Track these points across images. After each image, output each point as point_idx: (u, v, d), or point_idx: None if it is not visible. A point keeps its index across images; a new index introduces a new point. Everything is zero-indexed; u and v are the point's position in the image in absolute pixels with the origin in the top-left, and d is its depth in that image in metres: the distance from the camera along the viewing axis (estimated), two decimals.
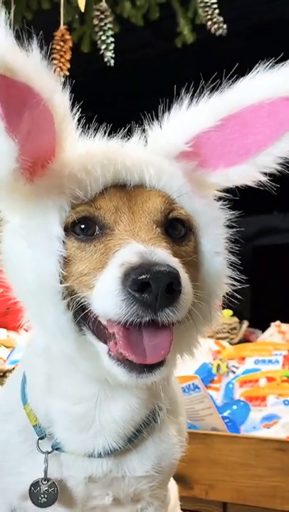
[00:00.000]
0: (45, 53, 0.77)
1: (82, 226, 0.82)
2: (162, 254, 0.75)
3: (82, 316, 0.81)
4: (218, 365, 2.05)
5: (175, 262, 0.76)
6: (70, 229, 0.82)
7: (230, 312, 2.88)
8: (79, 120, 0.91)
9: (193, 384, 1.55)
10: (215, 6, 2.87)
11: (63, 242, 0.81)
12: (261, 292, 9.39)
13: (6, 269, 0.87)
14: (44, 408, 0.95)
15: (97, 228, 0.83)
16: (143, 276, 0.70)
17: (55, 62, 3.02)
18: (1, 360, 1.89)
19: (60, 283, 0.80)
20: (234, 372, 2.05)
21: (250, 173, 0.92)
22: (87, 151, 0.88)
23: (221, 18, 2.87)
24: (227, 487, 1.48)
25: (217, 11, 2.87)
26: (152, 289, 0.71)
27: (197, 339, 0.91)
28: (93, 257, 0.80)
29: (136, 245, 0.76)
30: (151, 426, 0.98)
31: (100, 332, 0.80)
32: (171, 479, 1.25)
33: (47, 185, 0.82)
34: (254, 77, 0.87)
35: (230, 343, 2.66)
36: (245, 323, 2.89)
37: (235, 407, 1.71)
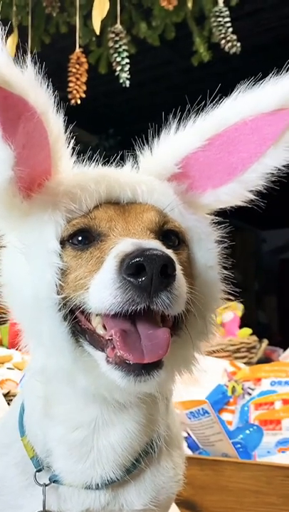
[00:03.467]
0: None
1: (80, 238, 0.85)
2: (156, 243, 0.79)
3: (79, 328, 0.83)
4: (234, 387, 2.01)
5: (169, 251, 0.77)
6: (67, 241, 0.85)
7: (248, 331, 2.84)
8: (74, 148, 0.95)
9: (202, 409, 1.53)
10: (228, 24, 2.87)
11: (60, 254, 0.83)
12: None
13: (5, 289, 0.89)
14: (42, 436, 0.94)
15: (92, 237, 0.85)
16: (137, 259, 0.72)
17: (71, 84, 3.07)
18: (14, 384, 1.90)
19: (57, 294, 0.81)
20: (250, 394, 2.01)
21: (238, 191, 0.94)
22: (82, 171, 0.94)
23: (235, 37, 2.87)
24: None
25: (231, 29, 2.88)
26: (147, 272, 0.72)
27: (194, 355, 0.91)
28: (89, 263, 0.82)
29: (130, 239, 0.79)
30: (149, 457, 0.96)
31: (96, 341, 0.82)
32: (175, 506, 1.23)
33: (43, 202, 0.86)
34: (236, 96, 0.90)
35: (250, 363, 2.62)
36: (265, 342, 2.84)
37: (248, 431, 1.67)
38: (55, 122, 0.84)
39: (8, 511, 0.97)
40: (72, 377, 0.86)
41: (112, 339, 0.78)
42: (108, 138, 7.28)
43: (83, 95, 3.10)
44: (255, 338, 2.84)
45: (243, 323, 3.07)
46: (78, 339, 0.83)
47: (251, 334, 2.92)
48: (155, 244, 0.77)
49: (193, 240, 0.93)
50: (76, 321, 0.82)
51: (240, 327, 3.00)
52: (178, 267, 0.78)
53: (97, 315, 0.81)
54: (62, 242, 0.85)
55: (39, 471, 0.95)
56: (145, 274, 0.72)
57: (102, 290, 0.76)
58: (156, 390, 0.84)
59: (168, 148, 0.95)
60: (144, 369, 0.76)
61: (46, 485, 0.93)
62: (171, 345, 0.79)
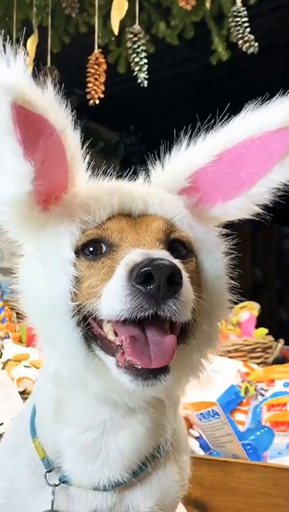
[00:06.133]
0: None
1: (91, 249, 0.89)
2: (164, 253, 0.83)
3: (91, 334, 0.87)
4: (246, 388, 2.03)
5: (176, 261, 0.81)
6: (81, 251, 0.89)
7: (264, 331, 2.83)
8: (89, 163, 0.99)
9: (212, 410, 1.55)
10: (246, 24, 2.87)
11: (74, 263, 0.87)
12: None
13: (22, 296, 0.93)
14: (52, 437, 0.98)
15: (104, 247, 0.89)
16: (146, 268, 0.76)
17: (90, 85, 3.10)
18: (30, 382, 1.94)
19: (72, 301, 0.85)
20: (263, 395, 2.02)
21: (246, 205, 0.98)
22: (96, 184, 0.98)
23: (252, 37, 2.86)
24: None
25: (248, 29, 2.87)
26: (155, 280, 0.76)
27: (201, 362, 0.95)
28: (101, 272, 0.86)
29: (140, 250, 0.83)
30: (156, 461, 0.99)
31: (107, 347, 0.85)
32: (182, 506, 1.26)
33: (59, 214, 0.90)
34: (244, 114, 0.94)
35: (265, 363, 2.63)
36: (281, 342, 2.84)
37: (258, 433, 1.69)
38: (72, 139, 0.88)
39: (19, 511, 1.00)
40: (84, 381, 0.89)
41: (122, 345, 0.81)
42: (129, 135, 7.31)
43: (102, 95, 3.13)
44: (271, 338, 2.83)
45: (264, 320, 3.07)
46: (90, 344, 0.87)
47: (268, 333, 2.92)
48: (163, 254, 0.81)
49: (201, 250, 0.96)
50: (89, 327, 0.86)
51: (260, 325, 3.00)
52: (185, 275, 0.81)
53: (108, 322, 0.85)
54: (77, 252, 0.88)
55: (49, 471, 0.98)
56: (153, 282, 0.76)
57: (113, 297, 0.80)
58: (163, 394, 0.87)
59: (179, 163, 0.99)
60: (151, 373, 0.79)
61: (56, 485, 0.97)
62: (179, 352, 0.83)
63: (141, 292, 0.77)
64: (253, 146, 0.93)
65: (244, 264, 8.50)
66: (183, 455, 1.06)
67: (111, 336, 0.84)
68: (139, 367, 0.79)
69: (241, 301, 1.00)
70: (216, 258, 0.96)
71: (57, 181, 0.90)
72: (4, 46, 0.78)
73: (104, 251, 0.89)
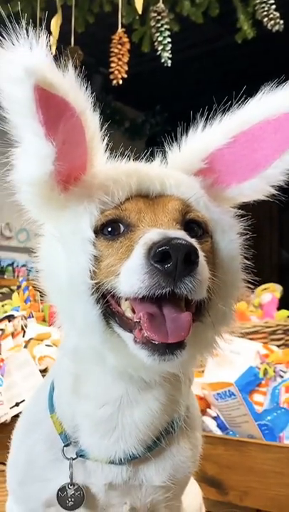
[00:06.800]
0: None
1: (110, 229, 0.91)
2: (181, 233, 0.85)
3: (109, 311, 0.89)
4: (265, 369, 2.03)
5: (193, 241, 0.83)
6: (100, 231, 0.91)
7: (286, 313, 2.83)
8: (107, 145, 1.01)
9: (229, 391, 1.56)
10: (271, 1, 2.81)
11: (93, 243, 0.89)
12: None
13: (42, 274, 0.96)
14: (70, 412, 1.01)
15: (122, 227, 0.91)
16: (164, 247, 0.78)
17: (113, 65, 3.09)
18: (52, 361, 1.97)
19: (91, 279, 0.88)
20: (282, 377, 2.02)
21: (260, 186, 0.99)
22: (114, 166, 1.00)
23: (278, 14, 2.81)
24: (262, 494, 1.48)
25: (274, 6, 2.82)
26: (172, 259, 0.78)
27: (215, 339, 0.97)
28: (120, 251, 0.88)
29: (157, 229, 0.85)
30: (169, 436, 1.02)
31: (125, 323, 0.87)
32: (196, 484, 1.29)
33: (79, 194, 0.92)
34: (260, 96, 0.94)
35: (286, 345, 2.63)
36: None
37: (275, 413, 1.70)
38: (92, 121, 0.90)
39: (35, 485, 1.05)
40: (102, 356, 0.92)
41: (139, 321, 0.83)
42: (155, 115, 7.26)
43: (125, 75, 3.12)
44: None
45: (288, 302, 3.05)
46: (109, 321, 0.89)
47: None
48: (180, 234, 0.83)
49: (216, 230, 0.97)
50: (107, 304, 0.88)
51: (283, 307, 2.98)
52: (201, 255, 0.83)
53: (126, 299, 0.87)
54: (96, 232, 0.90)
55: (67, 446, 1.02)
56: (171, 260, 0.78)
57: (132, 275, 0.82)
58: (179, 369, 0.89)
59: (195, 144, 1.00)
60: (168, 349, 0.81)
61: (73, 459, 1.01)
62: (194, 329, 0.85)
63: (159, 270, 0.79)
64: (268, 128, 0.94)
65: (270, 245, 8.44)
66: (195, 432, 1.08)
67: (129, 313, 0.86)
68: (156, 342, 0.81)
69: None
70: (231, 238, 0.97)
71: (76, 162, 0.91)
72: (27, 29, 0.80)
73: (122, 231, 0.90)
